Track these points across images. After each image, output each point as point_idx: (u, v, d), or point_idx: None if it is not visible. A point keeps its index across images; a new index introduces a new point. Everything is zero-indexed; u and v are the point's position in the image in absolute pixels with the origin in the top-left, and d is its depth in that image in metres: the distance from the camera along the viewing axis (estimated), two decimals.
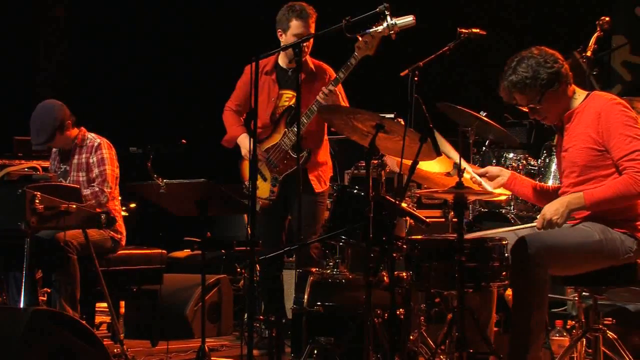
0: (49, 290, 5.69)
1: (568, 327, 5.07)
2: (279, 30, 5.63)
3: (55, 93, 8.10)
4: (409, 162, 4.17)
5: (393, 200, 4.44)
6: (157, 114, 9.25)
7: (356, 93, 5.87)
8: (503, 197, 4.89)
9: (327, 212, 5.53)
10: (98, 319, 6.44)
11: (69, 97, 7.22)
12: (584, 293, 4.64)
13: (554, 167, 6.01)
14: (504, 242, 4.21)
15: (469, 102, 6.30)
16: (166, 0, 9.60)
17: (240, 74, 5.84)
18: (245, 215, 7.00)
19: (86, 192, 5.54)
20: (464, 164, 4.21)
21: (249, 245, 4.44)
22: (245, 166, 5.71)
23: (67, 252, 5.37)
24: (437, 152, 4.19)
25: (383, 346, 4.35)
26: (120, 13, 9.56)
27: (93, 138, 5.84)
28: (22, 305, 4.84)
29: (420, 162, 4.26)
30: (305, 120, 5.40)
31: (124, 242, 5.84)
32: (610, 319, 4.82)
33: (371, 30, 5.08)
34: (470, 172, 4.47)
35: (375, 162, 5.15)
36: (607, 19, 6.28)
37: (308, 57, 5.65)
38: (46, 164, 6.08)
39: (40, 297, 5.86)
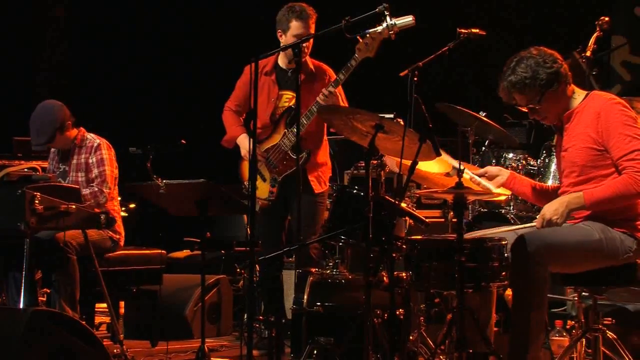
0: (48, 291, 5.69)
1: (568, 327, 5.07)
2: (279, 30, 5.63)
3: (55, 93, 8.08)
4: (408, 162, 4.17)
5: (392, 201, 4.44)
6: (157, 114, 9.25)
7: (355, 93, 5.87)
8: (503, 197, 4.89)
9: (326, 213, 5.52)
10: (98, 319, 6.44)
11: (69, 97, 7.21)
12: (583, 293, 4.64)
13: (553, 167, 6.01)
14: (503, 242, 4.21)
15: (468, 102, 6.30)
16: (166, 0, 9.60)
17: (240, 74, 5.84)
18: (245, 216, 7.01)
19: (85, 192, 5.54)
20: (463, 167, 4.21)
21: (249, 245, 4.44)
22: (245, 166, 5.71)
23: (66, 253, 5.37)
24: (437, 152, 4.19)
25: (383, 346, 4.35)
26: (120, 13, 9.56)
27: (92, 138, 5.84)
28: (21, 306, 4.83)
29: (420, 162, 4.25)
30: (305, 121, 5.40)
31: (122, 243, 5.84)
32: (609, 319, 4.82)
33: (371, 30, 5.08)
34: (469, 173, 4.47)
35: (375, 162, 5.15)
36: (607, 19, 6.28)
37: (308, 58, 5.65)
38: (45, 164, 6.08)
39: (40, 298, 5.87)
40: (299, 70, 4.93)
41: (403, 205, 4.69)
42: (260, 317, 6.09)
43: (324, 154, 5.78)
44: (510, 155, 6.53)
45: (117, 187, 5.84)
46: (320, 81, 5.62)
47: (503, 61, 4.34)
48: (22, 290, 4.81)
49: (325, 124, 5.69)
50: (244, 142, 5.67)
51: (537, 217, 4.30)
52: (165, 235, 6.36)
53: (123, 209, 6.42)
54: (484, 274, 4.16)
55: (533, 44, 4.37)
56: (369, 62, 5.26)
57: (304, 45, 5.39)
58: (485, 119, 6.02)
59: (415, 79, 4.77)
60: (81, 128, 5.85)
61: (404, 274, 4.41)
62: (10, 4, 9.38)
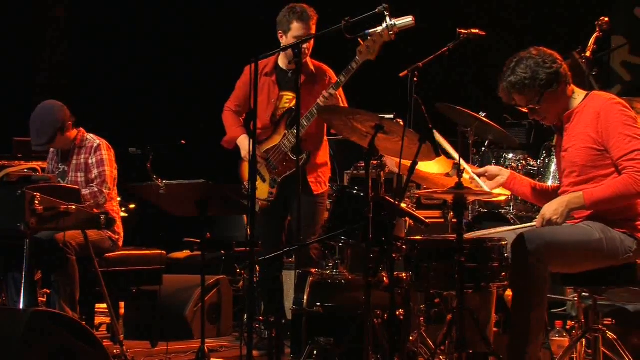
0: (48, 291, 5.68)
1: (568, 327, 5.07)
2: (280, 31, 5.63)
3: (55, 93, 8.08)
4: (408, 163, 4.17)
5: (392, 201, 4.44)
6: (157, 114, 9.24)
7: (355, 93, 5.87)
8: (502, 198, 4.89)
9: (326, 213, 5.53)
10: (98, 319, 6.44)
11: (69, 97, 7.21)
12: (583, 293, 4.64)
13: (553, 167, 6.01)
14: (503, 243, 4.21)
15: (468, 102, 6.30)
16: (166, 0, 9.60)
17: (240, 74, 5.84)
18: (245, 216, 7.00)
19: (85, 192, 5.53)
20: (462, 164, 4.21)
21: (249, 245, 4.44)
22: (245, 167, 5.71)
23: (66, 253, 5.37)
24: (437, 152, 4.19)
25: (383, 347, 4.35)
26: (120, 13, 9.55)
27: (92, 139, 5.84)
28: (21, 306, 4.83)
29: (420, 163, 4.25)
30: (305, 123, 5.39)
31: (121, 243, 5.85)
32: (609, 319, 4.82)
33: (371, 31, 5.08)
34: (469, 171, 4.47)
35: (375, 162, 5.15)
36: (607, 19, 6.28)
37: (308, 59, 5.64)
38: (45, 164, 6.08)
39: (40, 298, 5.86)
40: (299, 71, 4.93)
41: (403, 205, 4.69)
42: (260, 318, 6.09)
43: (323, 155, 5.78)
44: (510, 155, 6.53)
45: (116, 187, 5.85)
46: (321, 82, 5.62)
47: (503, 61, 4.34)
48: (22, 290, 4.81)
49: (326, 125, 5.69)
50: (244, 143, 5.67)
51: (537, 217, 4.30)
52: (165, 236, 6.37)
53: (123, 209, 6.41)
54: (483, 275, 4.16)
55: (533, 44, 4.36)
56: (369, 62, 5.26)
57: (305, 46, 5.39)
58: (485, 119, 6.02)
59: (415, 79, 4.78)
60: (81, 128, 5.85)
61: (403, 275, 4.41)
62: (10, 4, 9.38)
